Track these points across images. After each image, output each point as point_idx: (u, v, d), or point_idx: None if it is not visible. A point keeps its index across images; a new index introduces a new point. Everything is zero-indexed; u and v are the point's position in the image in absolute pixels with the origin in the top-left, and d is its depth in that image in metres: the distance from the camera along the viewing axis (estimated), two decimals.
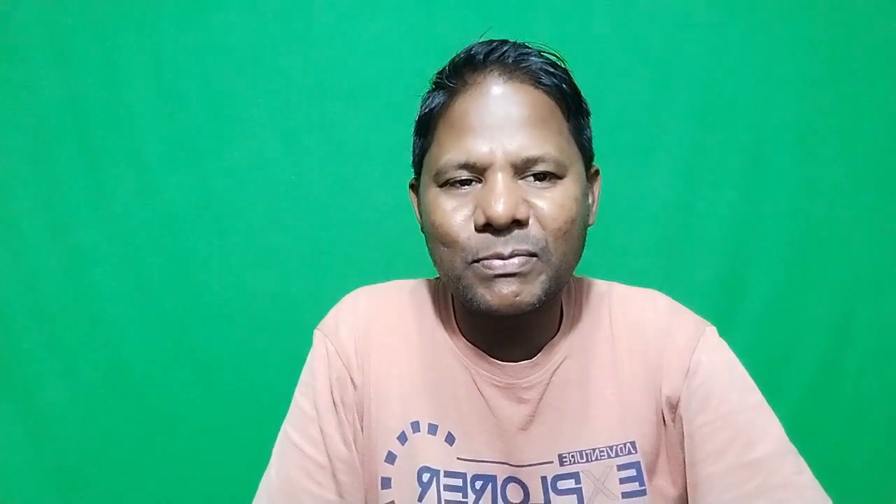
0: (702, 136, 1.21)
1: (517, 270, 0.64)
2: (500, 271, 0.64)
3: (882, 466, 1.21)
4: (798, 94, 1.21)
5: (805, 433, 0.72)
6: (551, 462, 0.71)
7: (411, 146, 0.75)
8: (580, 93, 0.71)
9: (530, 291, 0.64)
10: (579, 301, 0.78)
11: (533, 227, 0.64)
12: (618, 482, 0.70)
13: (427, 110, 0.71)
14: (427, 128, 0.71)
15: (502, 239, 0.64)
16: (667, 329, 0.74)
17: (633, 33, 1.20)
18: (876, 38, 1.20)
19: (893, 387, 1.22)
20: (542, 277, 0.65)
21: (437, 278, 0.82)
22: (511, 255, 0.63)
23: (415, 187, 0.77)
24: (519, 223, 0.64)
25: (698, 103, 1.20)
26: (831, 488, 0.67)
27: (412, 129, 0.75)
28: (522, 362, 0.72)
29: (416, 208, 0.78)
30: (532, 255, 0.64)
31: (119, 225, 1.16)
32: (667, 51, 1.20)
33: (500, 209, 0.62)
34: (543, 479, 0.71)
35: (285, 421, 0.78)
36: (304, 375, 0.78)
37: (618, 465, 0.71)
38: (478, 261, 0.65)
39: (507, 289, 0.64)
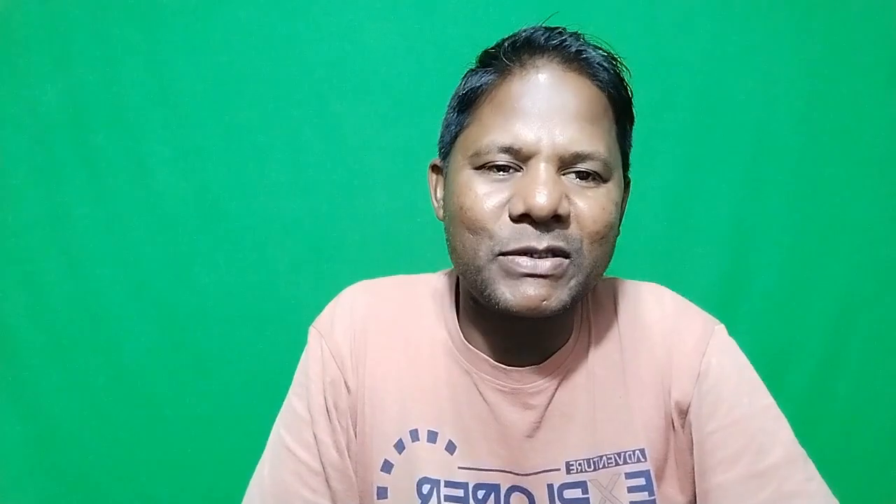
0: (702, 136, 1.20)
1: (549, 273, 0.59)
2: (530, 271, 0.59)
3: (883, 464, 1.20)
4: (798, 93, 1.18)
5: (806, 431, 0.72)
6: (558, 469, 0.68)
7: (441, 125, 0.70)
8: (631, 98, 0.66)
9: (558, 297, 0.60)
10: (586, 300, 0.73)
11: (571, 227, 0.60)
12: (626, 491, 0.67)
13: (473, 86, 0.65)
14: (469, 105, 0.65)
15: (538, 233, 0.59)
16: (675, 329, 0.71)
17: (633, 33, 1.17)
18: (876, 36, 1.20)
19: (894, 385, 1.21)
20: (573, 283, 0.61)
21: (442, 273, 0.78)
22: (545, 252, 0.59)
23: (437, 169, 0.72)
24: (559, 219, 0.59)
25: (698, 103, 1.20)
26: (833, 486, 0.66)
27: (447, 105, 0.70)
28: (529, 367, 0.68)
29: (433, 192, 0.73)
30: (566, 256, 0.60)
31: (119, 225, 1.15)
32: (667, 50, 1.18)
33: (544, 200, 0.57)
34: (550, 487, 0.67)
35: (278, 420, 0.74)
36: (298, 375, 0.74)
37: (626, 473, 0.67)
38: (505, 253, 0.60)
39: (534, 291, 0.59)
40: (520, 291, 0.60)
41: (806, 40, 1.19)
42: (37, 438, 1.14)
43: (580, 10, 1.16)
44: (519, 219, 0.59)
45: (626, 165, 0.68)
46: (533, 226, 0.59)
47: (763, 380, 0.71)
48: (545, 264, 0.59)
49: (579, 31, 0.65)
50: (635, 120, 0.69)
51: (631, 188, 0.71)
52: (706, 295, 1.18)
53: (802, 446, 0.67)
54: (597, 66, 0.63)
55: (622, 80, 0.65)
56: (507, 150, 0.60)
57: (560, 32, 0.64)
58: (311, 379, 0.72)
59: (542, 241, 0.59)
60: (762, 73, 1.20)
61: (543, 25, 0.65)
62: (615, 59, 0.65)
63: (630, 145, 0.69)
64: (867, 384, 1.20)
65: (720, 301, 1.19)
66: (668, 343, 0.70)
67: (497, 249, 0.60)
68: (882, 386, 1.20)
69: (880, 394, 1.20)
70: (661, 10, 1.19)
